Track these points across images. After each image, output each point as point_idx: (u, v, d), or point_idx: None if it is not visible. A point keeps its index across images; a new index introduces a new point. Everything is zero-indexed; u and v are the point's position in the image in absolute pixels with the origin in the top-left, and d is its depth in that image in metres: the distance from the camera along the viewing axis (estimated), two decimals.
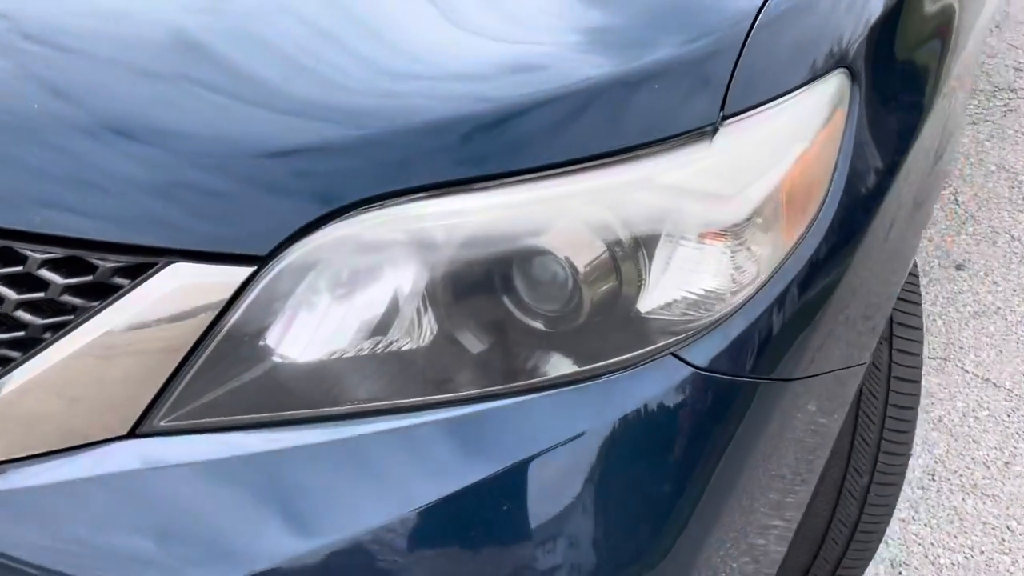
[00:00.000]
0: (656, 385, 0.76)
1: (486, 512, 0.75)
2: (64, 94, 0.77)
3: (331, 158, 0.73)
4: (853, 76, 0.86)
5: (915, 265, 1.26)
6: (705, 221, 0.76)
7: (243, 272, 0.73)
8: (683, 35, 0.78)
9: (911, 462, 2.01)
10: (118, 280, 0.74)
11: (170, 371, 0.75)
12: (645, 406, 0.76)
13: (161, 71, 0.76)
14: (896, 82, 0.93)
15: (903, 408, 1.18)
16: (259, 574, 0.73)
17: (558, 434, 0.75)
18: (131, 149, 0.74)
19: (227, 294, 0.73)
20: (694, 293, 0.77)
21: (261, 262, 0.73)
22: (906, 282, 1.22)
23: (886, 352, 1.18)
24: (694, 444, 0.77)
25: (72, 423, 0.77)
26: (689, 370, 0.76)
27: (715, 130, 0.77)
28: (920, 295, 1.23)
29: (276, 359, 0.77)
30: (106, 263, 0.74)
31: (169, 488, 0.76)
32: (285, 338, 0.76)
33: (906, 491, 1.93)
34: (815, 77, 0.82)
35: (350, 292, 0.76)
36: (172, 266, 0.73)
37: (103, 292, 0.75)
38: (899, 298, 1.20)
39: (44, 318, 0.76)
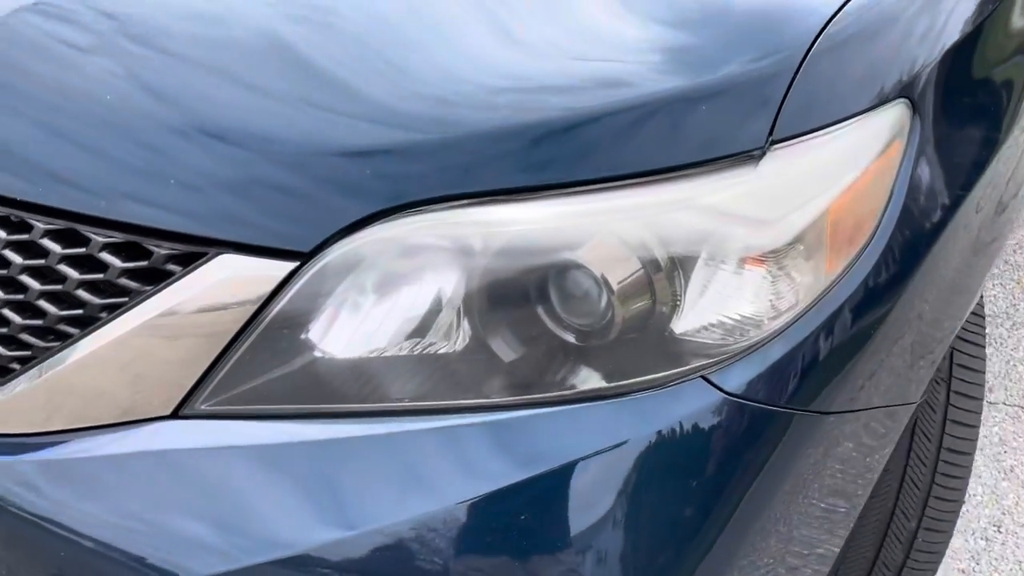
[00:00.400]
0: (684, 407, 0.76)
1: (508, 518, 0.76)
2: (157, 93, 0.81)
3: (375, 161, 0.75)
4: (914, 107, 0.84)
5: (981, 306, 1.21)
6: (745, 245, 0.76)
7: (286, 267, 0.76)
8: (738, 56, 0.77)
9: (976, 511, 1.93)
10: (171, 267, 0.78)
11: (213, 357, 0.78)
12: (672, 428, 0.75)
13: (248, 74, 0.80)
14: (964, 116, 0.91)
15: (957, 453, 1.14)
16: (289, 559, 0.76)
17: (582, 448, 0.76)
18: (195, 144, 0.78)
19: (270, 287, 0.76)
20: (730, 317, 0.77)
21: (304, 258, 0.76)
22: (969, 322, 1.18)
23: (943, 393, 1.14)
24: (721, 470, 0.76)
25: (121, 400, 0.81)
26: (719, 395, 0.76)
27: (762, 154, 0.76)
28: (984, 337, 1.19)
29: (317, 353, 0.79)
30: (161, 250, 0.78)
31: (207, 469, 0.79)
32: (327, 334, 0.79)
33: (969, 541, 1.86)
34: (873, 106, 0.81)
35: (390, 293, 0.78)
36: (221, 257, 0.77)
37: (157, 277, 0.78)
38: (960, 338, 1.16)
39: (102, 298, 0.80)
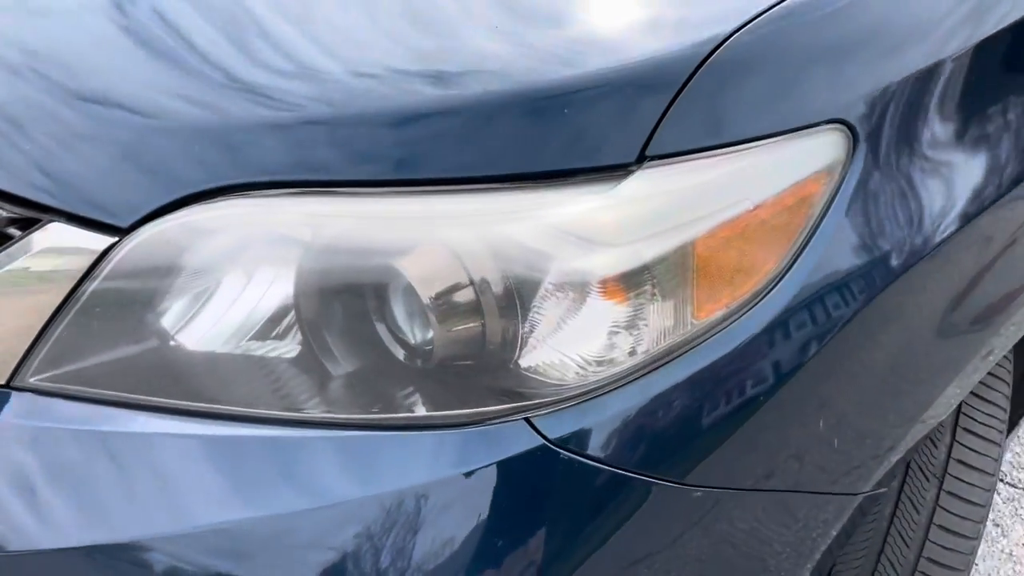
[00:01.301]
0: (502, 450, 0.65)
1: (305, 540, 0.68)
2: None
3: (200, 141, 0.70)
4: (854, 136, 0.71)
5: (1008, 397, 1.02)
6: (590, 271, 0.65)
7: (105, 241, 0.72)
8: (618, 57, 0.67)
9: None
10: (12, 231, 0.76)
11: (39, 327, 0.75)
12: (486, 473, 0.65)
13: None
14: (927, 158, 0.75)
15: (944, 567, 0.95)
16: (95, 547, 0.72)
17: (390, 482, 0.67)
18: (40, 110, 0.76)
19: (88, 261, 0.72)
20: (569, 356, 0.66)
21: (122, 234, 0.72)
22: (984, 413, 0.99)
23: (932, 492, 0.96)
24: (534, 532, 0.65)
25: None
26: (539, 441, 0.65)
27: (628, 172, 0.65)
28: (1001, 432, 0.99)
29: (141, 342, 0.75)
30: (2, 212, 0.76)
31: (20, 444, 0.76)
32: (148, 322, 0.74)
33: None
34: (787, 130, 0.68)
35: (215, 283, 0.73)
36: (53, 224, 0.74)
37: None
38: (965, 429, 0.98)
39: None
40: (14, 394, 0.77)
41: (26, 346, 0.76)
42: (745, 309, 0.68)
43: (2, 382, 0.78)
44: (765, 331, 0.68)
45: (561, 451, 0.65)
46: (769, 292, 0.69)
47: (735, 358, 0.68)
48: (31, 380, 0.77)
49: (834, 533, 0.83)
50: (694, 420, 0.68)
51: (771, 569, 0.78)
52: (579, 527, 0.66)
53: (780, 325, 0.69)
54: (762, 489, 0.72)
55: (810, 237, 0.69)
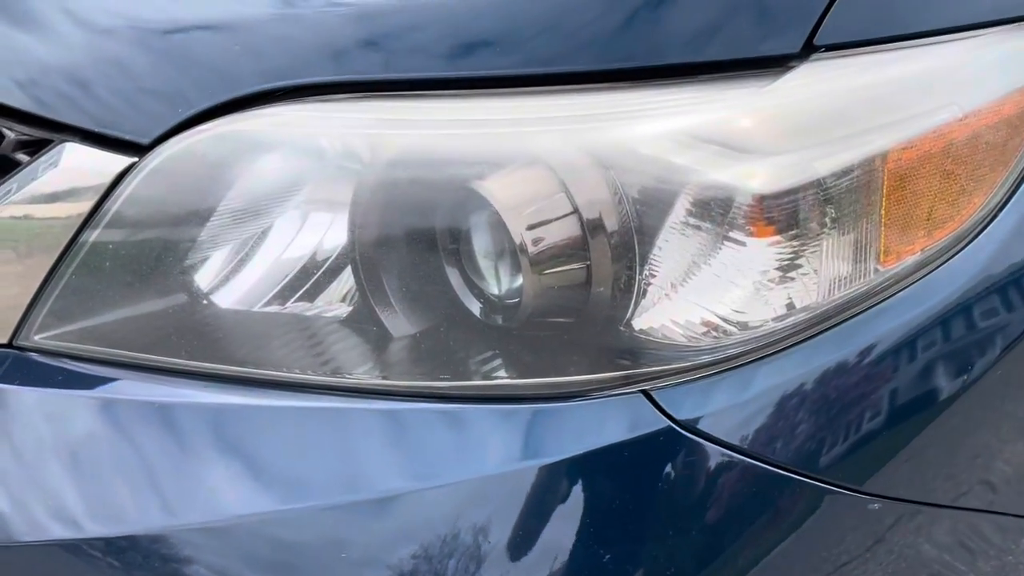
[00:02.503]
0: (612, 432, 0.49)
1: (360, 535, 0.53)
2: None
3: (239, 35, 0.56)
4: None
5: None
6: (738, 191, 0.48)
7: (124, 162, 0.59)
8: None
9: None
10: (21, 156, 0.64)
11: (42, 277, 0.63)
12: (591, 460, 0.49)
13: None
14: None
15: None
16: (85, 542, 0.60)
17: (467, 467, 0.51)
18: (47, 21, 0.64)
19: (103, 188, 0.60)
20: (706, 312, 0.49)
21: (143, 152, 0.58)
22: None
23: None
24: (663, 538, 0.48)
25: None
26: (663, 421, 0.48)
27: (790, 65, 0.49)
28: None
29: (172, 297, 0.62)
30: (12, 134, 0.64)
31: (24, 412, 0.64)
32: (171, 266, 0.61)
33: None
34: (1008, 19, 0.51)
35: (254, 213, 0.60)
36: (66, 145, 0.62)
37: (8, 168, 0.65)
38: None
39: None
40: (16, 354, 0.65)
41: (29, 299, 0.64)
42: (946, 257, 0.50)
43: (3, 341, 0.66)
44: (971, 289, 0.51)
45: (691, 436, 0.48)
46: (978, 235, 0.51)
47: (931, 324, 0.50)
48: (36, 338, 0.65)
49: None
50: (873, 406, 0.50)
51: None
52: (708, 535, 0.49)
53: (990, 282, 0.51)
54: (956, 507, 0.54)
55: None
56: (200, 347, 0.62)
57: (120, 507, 0.60)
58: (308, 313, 0.61)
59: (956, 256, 0.51)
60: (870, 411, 0.50)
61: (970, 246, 0.51)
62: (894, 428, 0.50)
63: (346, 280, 0.60)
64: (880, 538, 0.52)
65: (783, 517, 0.50)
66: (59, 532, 0.61)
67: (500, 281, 0.54)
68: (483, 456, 0.50)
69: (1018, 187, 0.52)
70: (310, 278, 0.61)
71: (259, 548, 0.55)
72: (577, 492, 0.48)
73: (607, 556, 0.48)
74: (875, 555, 0.54)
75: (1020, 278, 0.53)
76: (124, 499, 0.61)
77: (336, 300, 0.61)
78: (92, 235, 0.61)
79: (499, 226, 0.52)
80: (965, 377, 0.51)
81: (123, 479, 0.61)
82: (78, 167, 0.61)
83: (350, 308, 0.59)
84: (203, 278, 0.63)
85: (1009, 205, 0.52)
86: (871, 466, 0.50)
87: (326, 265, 0.60)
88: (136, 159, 0.59)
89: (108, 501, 0.60)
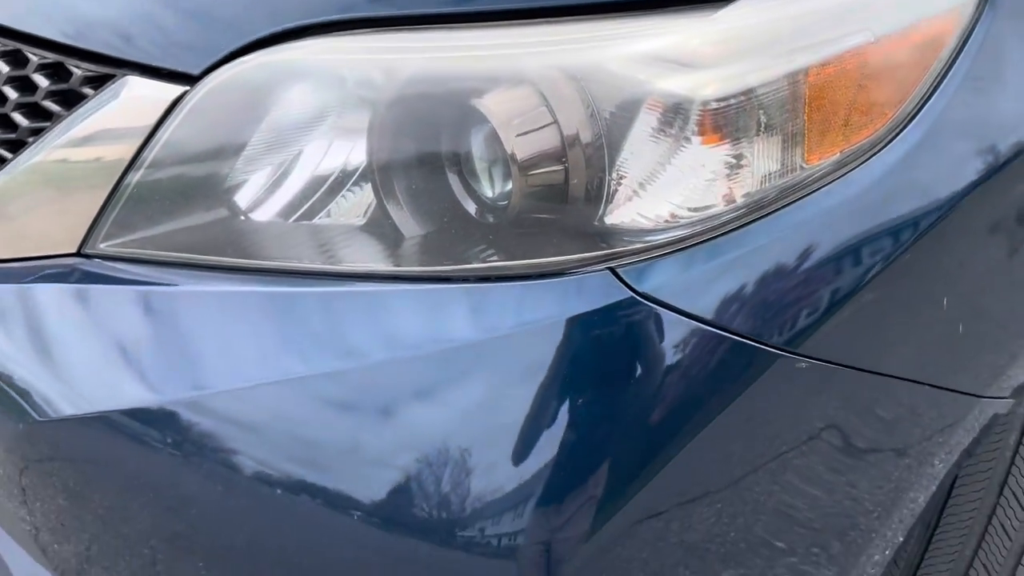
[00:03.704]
0: (583, 301, 0.60)
1: (381, 394, 0.64)
2: None
3: None
4: None
5: None
6: (688, 99, 0.58)
7: (176, 91, 0.69)
8: None
9: None
10: (87, 90, 0.74)
11: (109, 189, 0.73)
12: (563, 325, 0.60)
13: None
14: None
15: None
16: (144, 409, 0.70)
17: (465, 333, 0.62)
18: None
19: (159, 113, 0.70)
20: (657, 202, 0.60)
21: (194, 81, 0.69)
22: None
23: None
24: (622, 391, 0.59)
25: (34, 232, 0.79)
26: (626, 292, 0.59)
27: None
28: None
29: (215, 209, 0.72)
30: (79, 71, 0.74)
31: (93, 310, 0.75)
32: (219, 185, 0.72)
33: None
34: None
35: (288, 151, 0.70)
36: (127, 79, 0.72)
37: (75, 101, 0.75)
38: None
39: (32, 122, 0.78)
40: (83, 261, 0.76)
41: (95, 213, 0.75)
42: (863, 158, 0.61)
43: (72, 250, 0.77)
44: (883, 185, 0.61)
45: (649, 304, 0.59)
46: (891, 141, 0.61)
47: (849, 214, 0.61)
48: (101, 246, 0.76)
49: (955, 445, 0.74)
50: (799, 280, 0.60)
51: (889, 476, 0.70)
52: (664, 387, 0.59)
53: (901, 180, 0.61)
54: (877, 372, 0.64)
55: (939, 82, 0.61)
56: (241, 250, 0.73)
57: (173, 377, 0.70)
58: (333, 222, 0.72)
59: (871, 159, 0.61)
60: (800, 284, 0.61)
61: (883, 150, 0.61)
62: (819, 297, 0.61)
63: (366, 193, 0.70)
64: (804, 400, 0.63)
65: (724, 374, 0.60)
66: (121, 401, 0.71)
67: (493, 185, 0.64)
68: (480, 324, 0.61)
69: (925, 103, 0.62)
70: (335, 193, 0.71)
71: (295, 406, 0.66)
72: (553, 354, 0.59)
73: (579, 400, 0.59)
74: (801, 416, 0.64)
75: (927, 179, 0.63)
76: (177, 370, 0.70)
77: (357, 210, 0.71)
78: (149, 156, 0.71)
79: (493, 137, 0.63)
80: (879, 257, 0.61)
81: (176, 354, 0.71)
82: (137, 97, 0.72)
83: (368, 216, 0.70)
84: (243, 196, 0.73)
85: (918, 117, 0.62)
86: (797, 330, 0.61)
87: (349, 182, 0.71)
88: (188, 88, 0.70)
89: (164, 373, 0.71)
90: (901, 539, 0.77)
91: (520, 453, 0.59)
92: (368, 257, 0.70)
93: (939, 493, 0.88)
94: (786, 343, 0.61)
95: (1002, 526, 0.86)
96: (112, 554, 0.81)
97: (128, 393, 0.71)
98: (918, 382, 0.67)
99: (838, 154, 0.60)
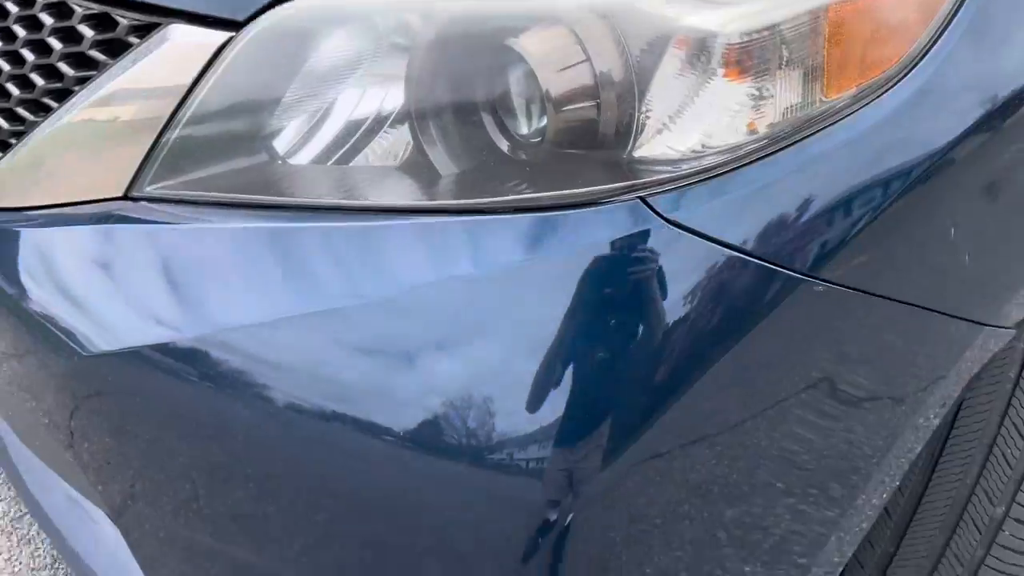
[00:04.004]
0: (614, 228, 0.63)
1: (419, 321, 0.68)
2: None
3: None
4: None
5: None
6: (714, 34, 0.62)
7: (221, 37, 0.72)
8: None
9: None
10: (132, 39, 0.77)
11: (155, 135, 0.77)
12: (598, 250, 0.64)
13: None
14: None
15: None
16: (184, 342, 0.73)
17: (499, 260, 0.66)
18: None
19: (204, 59, 0.73)
20: (684, 133, 0.64)
21: (238, 28, 0.72)
22: None
23: None
24: (652, 312, 0.63)
25: (80, 178, 0.82)
26: (654, 219, 0.63)
27: None
28: None
29: (258, 153, 0.75)
30: (124, 20, 0.77)
31: (140, 250, 0.78)
32: (262, 129, 0.75)
33: None
34: None
35: (328, 96, 0.73)
36: (172, 27, 0.75)
37: (121, 50, 0.78)
38: None
39: (77, 71, 0.81)
40: (131, 204, 0.80)
41: (142, 157, 0.78)
42: (877, 93, 0.64)
43: (119, 194, 0.80)
44: (895, 120, 0.65)
45: (677, 230, 0.63)
46: (904, 77, 0.65)
47: (864, 146, 0.65)
48: (147, 189, 0.79)
49: (960, 375, 0.78)
50: (817, 208, 0.64)
51: (897, 395, 0.74)
52: (689, 310, 0.63)
53: (912, 116, 0.65)
54: (887, 297, 0.68)
55: (953, 16, 0.65)
56: (280, 191, 0.76)
57: (217, 310, 0.73)
58: (370, 164, 0.75)
59: (885, 94, 0.65)
60: (818, 212, 0.65)
61: (897, 86, 0.65)
62: (835, 225, 0.65)
63: (402, 134, 0.74)
64: (820, 325, 0.67)
65: (747, 298, 0.64)
66: (165, 335, 0.74)
67: (528, 122, 0.68)
68: (514, 253, 0.65)
69: (936, 41, 0.66)
70: (372, 136, 0.75)
71: (335, 337, 0.69)
72: (585, 280, 0.63)
73: (612, 321, 0.63)
74: (814, 343, 0.68)
75: (933, 115, 0.67)
76: (220, 304, 0.73)
77: (393, 151, 0.75)
78: (195, 102, 0.74)
79: (529, 76, 0.66)
80: (891, 188, 0.65)
81: (219, 289, 0.74)
82: (182, 45, 0.75)
83: (404, 158, 0.74)
84: (282, 141, 0.77)
85: (930, 53, 0.66)
86: (815, 255, 0.65)
87: (386, 124, 0.74)
88: (232, 35, 0.73)
89: (206, 307, 0.74)
90: (906, 468, 0.82)
91: (549, 378, 0.63)
92: (404, 195, 0.73)
93: (943, 425, 0.92)
94: (805, 268, 0.65)
95: (1003, 455, 0.90)
96: (155, 490, 0.85)
97: (170, 327, 0.75)
98: (925, 308, 0.71)
99: (854, 89, 0.64)
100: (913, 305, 0.70)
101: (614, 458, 0.66)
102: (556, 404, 0.64)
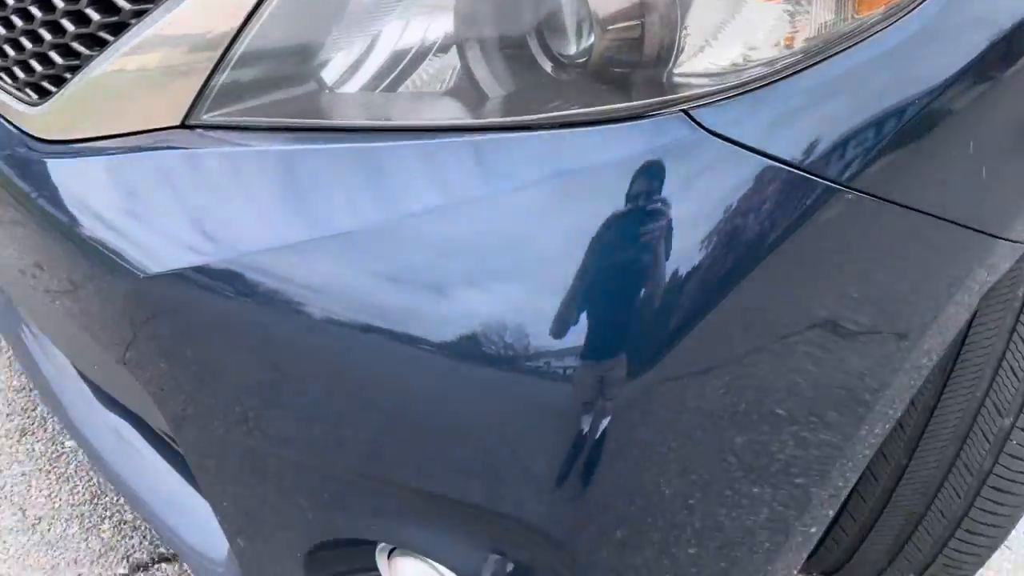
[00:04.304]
0: (659, 140, 0.68)
1: (468, 231, 0.71)
2: None
3: None
4: None
5: None
6: None
7: None
8: None
9: None
10: None
11: (213, 63, 0.80)
12: (643, 161, 0.68)
13: None
14: None
15: None
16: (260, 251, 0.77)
17: (546, 171, 0.70)
18: None
19: None
20: (731, 55, 0.68)
21: None
22: None
23: None
24: (689, 219, 0.68)
25: (138, 109, 0.86)
26: (700, 132, 0.67)
27: None
28: None
29: (312, 81, 0.79)
30: None
31: (206, 172, 0.82)
32: (318, 59, 0.78)
33: None
34: None
35: (375, 27, 0.77)
36: None
37: None
38: None
39: (134, 5, 0.85)
40: (186, 131, 0.84)
41: (198, 87, 0.82)
42: (905, 10, 0.69)
43: (176, 123, 0.84)
44: (921, 38, 0.69)
45: (719, 140, 0.67)
46: None
47: (892, 62, 0.69)
48: (204, 117, 0.83)
49: (974, 288, 0.83)
50: (849, 120, 0.69)
51: (911, 300, 0.79)
52: (728, 218, 0.68)
53: (937, 33, 0.69)
54: (912, 207, 0.73)
55: None
56: (332, 117, 0.80)
57: (271, 227, 0.77)
58: (418, 90, 0.79)
59: (913, 11, 0.69)
60: (849, 124, 0.69)
61: (923, 4, 0.69)
62: (865, 137, 0.69)
63: (449, 60, 0.77)
64: (853, 226, 0.72)
65: (783, 205, 0.69)
66: (225, 254, 0.78)
67: (575, 43, 0.72)
68: (560, 166, 0.69)
69: None
70: (419, 63, 0.78)
71: (386, 250, 0.73)
72: (630, 188, 0.67)
73: (663, 221, 0.67)
74: (845, 249, 0.73)
75: (956, 33, 0.71)
76: (274, 221, 0.77)
77: (441, 76, 0.78)
78: (249, 33, 0.77)
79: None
80: (916, 102, 0.70)
81: (273, 207, 0.77)
82: None
83: (453, 81, 0.77)
84: (331, 71, 0.80)
85: None
86: (846, 164, 0.69)
87: (433, 51, 0.78)
88: None
89: (263, 223, 0.77)
90: (920, 383, 0.87)
91: (591, 288, 0.67)
92: (452, 117, 0.77)
93: (956, 340, 0.97)
94: (837, 177, 0.69)
95: (1011, 368, 0.96)
96: (206, 413, 0.89)
97: (229, 246, 0.78)
98: (944, 219, 0.76)
99: (883, 7, 0.68)
100: (934, 216, 0.75)
101: (650, 366, 0.70)
102: (595, 313, 0.68)
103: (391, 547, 0.89)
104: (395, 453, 0.77)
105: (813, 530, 0.92)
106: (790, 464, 0.83)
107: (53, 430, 1.58)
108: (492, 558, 0.81)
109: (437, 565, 0.85)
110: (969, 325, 0.96)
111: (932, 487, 1.02)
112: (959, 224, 0.77)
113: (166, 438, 1.17)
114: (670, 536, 0.80)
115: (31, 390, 1.66)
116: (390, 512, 0.83)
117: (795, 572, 1.02)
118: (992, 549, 1.06)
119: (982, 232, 0.79)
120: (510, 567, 0.81)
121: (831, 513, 0.92)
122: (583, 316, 0.69)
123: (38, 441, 1.56)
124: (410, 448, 0.77)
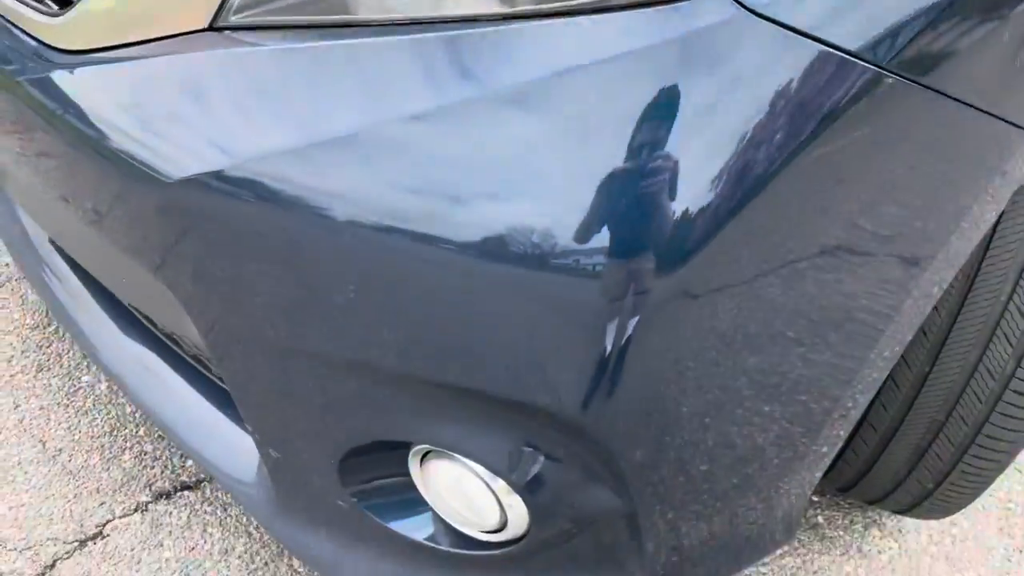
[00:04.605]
0: (704, 18, 0.67)
1: (500, 121, 0.71)
2: None
3: None
4: None
5: None
6: None
7: None
8: None
9: None
10: None
11: None
12: (687, 42, 0.68)
13: None
14: None
15: None
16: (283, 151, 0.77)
17: (586, 56, 0.69)
18: None
19: None
20: None
21: None
22: None
23: None
24: (731, 98, 0.68)
25: (163, 13, 0.85)
26: (741, 11, 0.67)
27: None
28: None
29: None
30: None
31: (237, 72, 0.81)
32: None
33: None
34: None
35: None
36: None
37: None
38: None
39: None
40: (214, 34, 0.83)
41: None
42: None
43: (204, 26, 0.84)
44: None
45: (761, 19, 0.67)
46: None
47: None
48: (232, 19, 0.82)
49: (1003, 185, 0.84)
50: (890, 3, 0.69)
51: (943, 196, 0.79)
52: (771, 97, 0.68)
53: None
54: (948, 95, 0.73)
55: None
56: (359, 12, 0.79)
57: (304, 123, 0.77)
58: None
59: None
60: (891, 5, 0.69)
61: None
62: (904, 20, 0.69)
63: None
64: (888, 116, 0.72)
65: (823, 86, 0.69)
66: (259, 152, 0.78)
67: None
68: (600, 50, 0.69)
69: None
70: None
71: (417, 143, 0.73)
72: (675, 69, 0.67)
73: (698, 109, 0.67)
74: (884, 137, 0.73)
75: None
76: (306, 117, 0.77)
77: None
78: None
79: None
80: None
81: (305, 103, 0.77)
82: None
83: None
84: None
85: None
86: (890, 47, 0.69)
87: None
88: None
89: (296, 119, 0.77)
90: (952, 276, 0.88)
91: (624, 182, 0.68)
92: (483, 7, 0.76)
93: (982, 243, 0.98)
94: (879, 60, 0.69)
95: None
96: (239, 321, 0.89)
97: (262, 145, 0.78)
98: (981, 110, 0.76)
99: None
100: (971, 106, 0.75)
101: (683, 263, 0.71)
102: (626, 210, 0.68)
103: (423, 452, 0.90)
104: (433, 352, 0.78)
105: (824, 449, 0.94)
106: (799, 383, 0.84)
107: (69, 365, 1.59)
108: (525, 451, 0.82)
109: (469, 462, 0.86)
110: (994, 228, 0.97)
111: (954, 393, 1.04)
112: (995, 116, 0.77)
113: (191, 361, 1.18)
114: (698, 438, 0.82)
115: (46, 327, 1.66)
116: (425, 412, 0.84)
117: (809, 491, 1.04)
118: (1012, 455, 1.08)
119: (1015, 125, 0.79)
120: (540, 459, 0.82)
121: (843, 434, 0.93)
122: (614, 212, 0.69)
123: (55, 376, 1.57)
124: (448, 347, 0.77)
